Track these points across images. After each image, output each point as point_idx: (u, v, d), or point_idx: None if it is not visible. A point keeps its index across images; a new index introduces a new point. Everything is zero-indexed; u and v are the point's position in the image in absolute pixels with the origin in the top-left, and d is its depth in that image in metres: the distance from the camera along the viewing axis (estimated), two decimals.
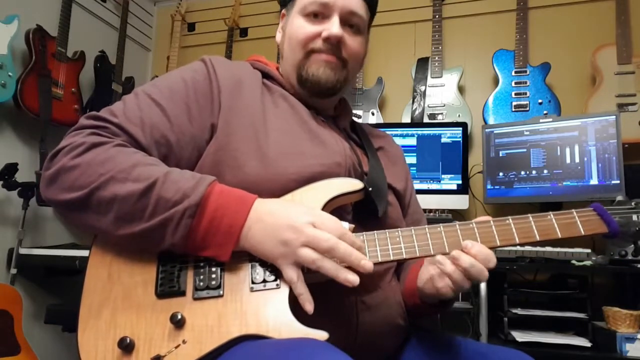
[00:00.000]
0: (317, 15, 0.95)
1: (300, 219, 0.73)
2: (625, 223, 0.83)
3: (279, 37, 1.04)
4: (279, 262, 0.73)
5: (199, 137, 0.86)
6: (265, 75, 0.99)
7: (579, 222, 0.82)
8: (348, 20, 0.95)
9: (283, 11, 1.04)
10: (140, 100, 0.85)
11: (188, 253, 0.75)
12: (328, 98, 1.00)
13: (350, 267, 0.73)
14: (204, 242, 0.74)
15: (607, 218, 0.82)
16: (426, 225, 0.83)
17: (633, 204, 0.85)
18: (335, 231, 0.73)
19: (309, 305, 0.71)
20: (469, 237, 0.81)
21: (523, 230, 0.82)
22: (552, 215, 0.83)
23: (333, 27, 0.93)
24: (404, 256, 0.80)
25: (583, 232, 0.82)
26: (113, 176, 0.73)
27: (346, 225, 0.78)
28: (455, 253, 0.78)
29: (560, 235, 0.81)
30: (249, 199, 0.76)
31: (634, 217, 0.84)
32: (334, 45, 0.94)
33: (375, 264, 0.76)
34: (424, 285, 0.86)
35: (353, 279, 0.71)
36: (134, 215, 0.73)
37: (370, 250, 0.80)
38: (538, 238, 0.81)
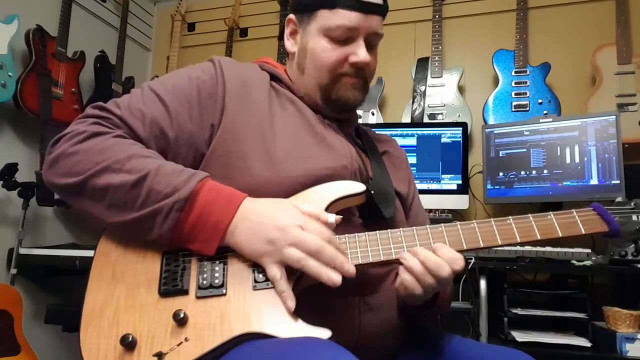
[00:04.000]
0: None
1: (288, 220, 0.75)
2: (625, 222, 0.83)
3: (289, 45, 1.02)
4: (263, 260, 0.74)
5: (197, 136, 0.87)
6: (273, 77, 0.99)
7: (579, 222, 0.82)
8: (371, 41, 0.95)
9: (291, 16, 1.01)
10: (145, 95, 0.87)
11: (175, 245, 0.77)
12: (349, 113, 1.02)
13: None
14: (191, 235, 0.76)
15: (607, 217, 0.83)
16: (414, 227, 0.84)
17: (632, 204, 0.85)
18: (321, 235, 0.74)
19: (290, 303, 0.72)
20: (470, 237, 0.82)
21: (524, 229, 0.82)
22: (552, 215, 0.83)
23: (361, 52, 0.93)
24: (382, 258, 0.80)
25: (583, 231, 0.82)
26: (108, 165, 0.77)
27: (332, 218, 0.79)
28: (419, 249, 0.79)
29: (560, 235, 0.82)
30: (238, 197, 0.78)
31: (634, 217, 0.84)
32: (360, 69, 0.95)
33: (356, 265, 0.77)
34: (398, 286, 0.86)
35: (336, 278, 0.72)
36: (125, 204, 0.76)
37: (351, 252, 0.80)
38: (539, 237, 0.81)
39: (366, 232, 0.82)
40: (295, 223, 0.74)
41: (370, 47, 0.96)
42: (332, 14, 0.92)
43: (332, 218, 0.79)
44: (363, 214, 0.91)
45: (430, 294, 0.84)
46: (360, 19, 0.92)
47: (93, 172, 0.77)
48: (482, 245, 0.81)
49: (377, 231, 0.83)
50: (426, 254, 0.78)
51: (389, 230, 0.83)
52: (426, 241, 0.81)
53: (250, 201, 0.78)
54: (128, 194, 0.76)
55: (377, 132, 1.17)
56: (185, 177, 0.77)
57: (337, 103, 0.97)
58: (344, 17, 0.91)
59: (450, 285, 1.03)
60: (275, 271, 0.73)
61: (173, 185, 0.75)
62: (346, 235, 0.81)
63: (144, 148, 0.82)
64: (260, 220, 0.75)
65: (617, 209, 0.85)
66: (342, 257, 0.74)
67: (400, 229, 0.83)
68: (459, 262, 0.78)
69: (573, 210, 0.84)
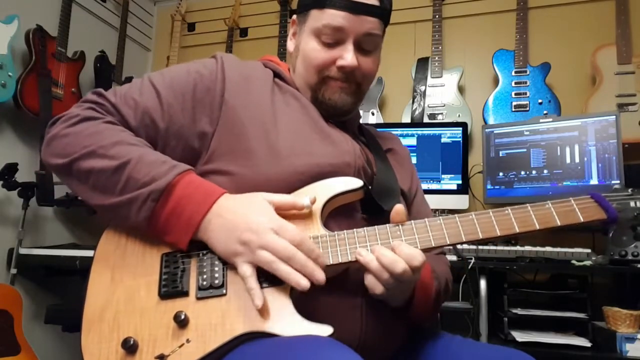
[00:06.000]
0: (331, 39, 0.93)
1: (262, 223, 0.74)
2: (623, 209, 0.82)
3: (290, 45, 1.03)
4: (235, 259, 0.75)
5: (187, 128, 0.88)
6: (277, 75, 0.99)
7: (577, 210, 0.81)
8: (362, 43, 0.94)
9: (294, 17, 1.01)
10: (143, 86, 0.90)
11: (154, 236, 0.79)
12: (343, 117, 1.00)
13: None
14: (166, 227, 0.77)
15: (605, 204, 0.81)
16: (413, 221, 0.83)
17: (630, 191, 0.84)
18: (293, 240, 0.74)
19: (257, 300, 0.72)
20: (468, 229, 0.81)
21: (522, 219, 0.81)
22: (550, 204, 0.82)
23: (347, 56, 0.91)
24: (349, 258, 0.79)
25: (582, 219, 0.80)
26: (94, 150, 0.79)
27: (307, 201, 0.80)
28: (376, 247, 0.78)
29: (559, 223, 0.80)
30: (215, 193, 0.78)
31: (632, 204, 0.83)
32: (349, 73, 0.94)
33: (328, 266, 0.76)
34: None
35: (304, 283, 0.72)
36: (106, 189, 0.79)
37: (332, 251, 0.79)
38: (538, 227, 0.80)
39: (365, 228, 0.82)
40: (270, 226, 0.74)
41: (364, 50, 0.95)
42: (321, 13, 0.92)
43: (307, 200, 0.80)
44: (365, 210, 0.91)
45: (402, 293, 0.84)
46: (349, 19, 0.90)
47: (79, 155, 0.80)
48: (480, 236, 0.80)
49: (376, 226, 0.82)
50: (381, 251, 0.77)
51: (387, 225, 0.82)
52: (425, 235, 0.81)
53: (228, 198, 0.78)
54: (109, 179, 0.78)
55: (380, 131, 1.16)
56: (166, 169, 0.78)
57: (324, 105, 0.96)
58: (331, 17, 0.90)
59: (442, 283, 1.03)
60: (246, 269, 0.73)
61: (152, 175, 0.77)
62: (327, 234, 0.81)
63: (132, 136, 0.84)
64: (234, 219, 0.75)
65: (615, 195, 0.84)
66: (312, 264, 0.73)
67: (399, 222, 0.82)
68: (417, 257, 0.77)
69: (570, 198, 0.82)
